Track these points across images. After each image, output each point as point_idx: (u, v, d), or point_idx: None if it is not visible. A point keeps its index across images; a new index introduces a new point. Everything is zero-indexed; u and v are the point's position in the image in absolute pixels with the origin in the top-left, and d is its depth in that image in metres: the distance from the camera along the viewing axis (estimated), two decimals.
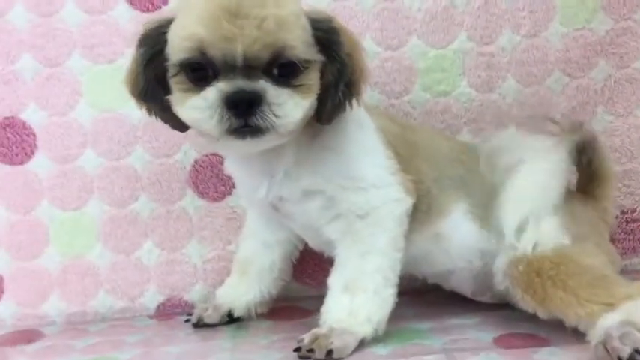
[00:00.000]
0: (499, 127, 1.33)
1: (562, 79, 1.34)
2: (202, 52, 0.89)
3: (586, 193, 1.17)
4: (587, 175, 1.17)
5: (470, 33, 1.32)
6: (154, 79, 0.96)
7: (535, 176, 1.07)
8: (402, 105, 1.34)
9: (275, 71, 0.91)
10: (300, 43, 0.91)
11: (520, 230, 1.03)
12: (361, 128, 1.06)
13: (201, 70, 0.91)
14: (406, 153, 1.09)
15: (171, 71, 0.94)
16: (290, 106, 0.91)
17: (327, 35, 0.95)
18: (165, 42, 0.94)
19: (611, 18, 1.32)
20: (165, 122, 1.02)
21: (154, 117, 1.02)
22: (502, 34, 1.32)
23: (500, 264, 1.05)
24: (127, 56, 1.25)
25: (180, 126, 1.00)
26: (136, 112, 1.28)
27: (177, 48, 0.91)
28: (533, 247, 1.02)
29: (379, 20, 1.32)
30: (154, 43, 0.95)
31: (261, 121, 0.89)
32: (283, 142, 0.96)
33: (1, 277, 1.33)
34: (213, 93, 0.89)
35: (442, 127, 1.34)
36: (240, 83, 0.89)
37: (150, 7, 1.30)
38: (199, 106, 0.90)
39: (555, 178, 1.07)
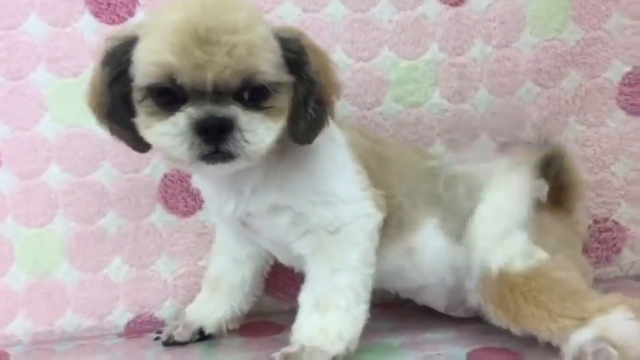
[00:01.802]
0: (471, 138, 1.34)
1: (533, 89, 1.34)
2: (171, 79, 0.87)
3: (557, 204, 1.16)
4: (556, 186, 1.16)
5: (441, 44, 1.32)
6: (118, 99, 0.93)
7: (500, 200, 1.06)
8: (373, 116, 1.33)
9: (245, 96, 0.89)
10: (270, 67, 0.89)
11: (489, 254, 1.02)
12: (331, 142, 1.05)
13: (169, 95, 0.89)
14: (377, 167, 1.08)
15: (137, 94, 0.91)
16: (261, 131, 0.90)
17: (295, 55, 0.93)
18: (129, 61, 0.91)
19: (581, 28, 1.32)
20: (127, 142, 0.99)
21: (116, 137, 0.99)
22: (473, 45, 1.32)
23: (472, 280, 1.04)
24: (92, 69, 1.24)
25: (143, 147, 0.98)
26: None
27: (145, 72, 0.88)
28: (504, 267, 1.00)
29: (350, 31, 1.31)
30: (118, 63, 0.92)
31: (232, 147, 0.88)
32: (253, 164, 0.94)
33: None
34: (183, 119, 0.87)
35: (414, 139, 1.33)
36: (211, 109, 0.87)
37: (115, 18, 1.27)
38: (169, 133, 0.88)
39: (521, 198, 1.06)
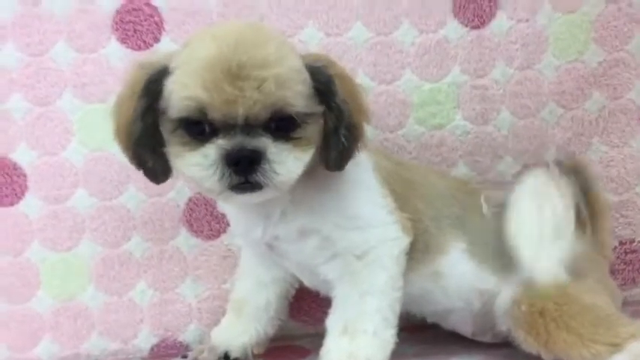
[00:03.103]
0: (495, 160, 1.34)
1: (556, 111, 1.33)
2: (203, 113, 0.88)
3: (582, 225, 1.15)
4: (589, 208, 1.15)
5: (463, 66, 1.32)
6: (149, 129, 0.94)
7: (528, 221, 1.06)
8: (396, 139, 1.33)
9: (273, 126, 0.90)
10: (299, 99, 0.90)
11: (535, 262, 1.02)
12: (357, 166, 1.05)
13: (200, 127, 0.90)
14: (402, 191, 1.08)
15: (168, 125, 0.92)
16: (290, 162, 0.91)
17: (324, 85, 0.94)
18: (161, 92, 0.92)
19: (603, 49, 1.32)
20: (147, 172, 0.99)
21: (136, 166, 0.99)
22: (495, 67, 1.32)
23: (501, 304, 1.04)
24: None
25: (162, 177, 0.99)
26: None
27: (177, 106, 0.89)
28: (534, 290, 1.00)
29: (372, 55, 1.31)
30: (153, 93, 0.93)
31: (261, 178, 0.89)
32: (281, 193, 0.95)
33: None
34: (214, 150, 0.88)
35: (438, 161, 1.33)
36: (241, 140, 0.88)
37: (142, 45, 1.29)
38: (200, 164, 0.89)
39: (548, 217, 1.05)
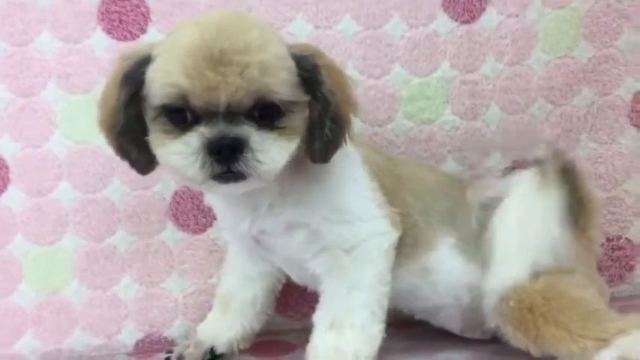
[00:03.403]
0: (483, 155, 1.34)
1: (545, 107, 1.33)
2: (185, 100, 0.86)
3: (575, 223, 1.15)
4: (578, 205, 1.14)
5: (453, 61, 1.32)
6: (132, 119, 0.93)
7: (516, 217, 1.06)
8: (385, 133, 1.32)
9: (257, 114, 0.88)
10: (284, 87, 0.88)
11: (507, 273, 1.02)
12: (346, 159, 1.04)
13: (182, 115, 0.88)
14: (392, 185, 1.07)
15: (150, 113, 0.91)
16: (274, 151, 0.89)
17: (310, 74, 0.92)
18: (143, 81, 0.91)
19: (592, 46, 1.32)
20: (132, 163, 0.98)
21: (122, 157, 0.97)
22: (485, 62, 1.32)
23: (490, 300, 1.03)
24: (103, 86, 1.23)
25: (148, 168, 0.98)
26: None
27: (159, 93, 0.88)
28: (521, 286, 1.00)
29: (362, 48, 1.30)
30: (134, 82, 0.91)
31: (244, 167, 0.87)
32: (266, 184, 0.93)
33: None
34: (195, 138, 0.87)
35: (426, 156, 1.33)
36: (223, 128, 0.86)
37: (128, 35, 1.27)
38: (181, 152, 0.87)
39: (539, 214, 1.05)
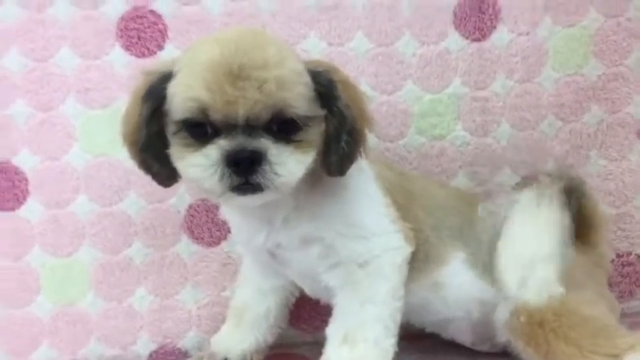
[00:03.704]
0: (494, 171, 1.35)
1: (555, 124, 1.35)
2: (205, 114, 0.89)
3: (581, 239, 1.16)
4: (579, 220, 1.16)
5: (464, 78, 1.34)
6: (154, 133, 0.95)
7: (525, 233, 1.07)
8: (397, 149, 1.34)
9: (274, 128, 0.91)
10: (300, 101, 0.91)
11: (522, 283, 1.02)
12: (360, 175, 1.06)
13: (202, 128, 0.91)
14: (404, 200, 1.09)
15: (171, 127, 0.93)
16: (291, 164, 0.91)
17: (326, 89, 0.95)
18: (165, 97, 0.93)
19: (602, 63, 1.34)
20: (155, 176, 1.00)
21: (144, 170, 1.00)
22: (496, 80, 1.34)
23: (500, 315, 1.04)
24: (121, 101, 1.26)
25: (170, 180, 1.00)
26: (129, 157, 1.28)
27: (180, 107, 0.90)
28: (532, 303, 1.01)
29: (374, 65, 1.32)
30: (156, 98, 0.94)
31: (262, 179, 0.89)
32: (282, 196, 0.95)
33: None
34: (215, 151, 0.89)
35: (438, 171, 1.34)
36: (242, 141, 0.89)
37: (145, 52, 1.30)
38: (201, 164, 0.90)
39: (547, 229, 1.06)
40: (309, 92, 0.93)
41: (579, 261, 1.11)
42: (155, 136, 0.95)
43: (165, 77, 0.94)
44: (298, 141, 0.92)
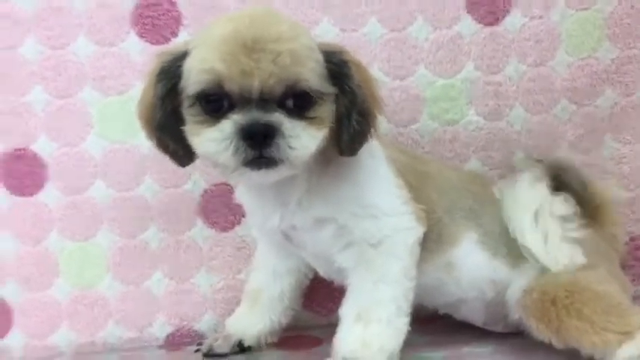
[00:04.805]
0: (507, 156, 1.35)
1: (569, 108, 1.35)
2: (220, 85, 0.90)
3: (591, 220, 1.16)
4: (586, 201, 1.16)
5: (477, 63, 1.34)
6: (169, 112, 0.97)
7: (524, 214, 1.10)
8: (410, 134, 1.35)
9: (289, 103, 0.92)
10: (313, 76, 0.92)
11: (544, 240, 1.05)
12: (373, 157, 1.07)
13: (216, 102, 0.92)
14: (416, 182, 1.10)
15: (186, 103, 0.95)
16: (305, 139, 0.92)
17: (338, 68, 0.96)
18: (180, 75, 0.95)
19: (616, 47, 1.34)
20: (172, 156, 1.02)
21: (161, 150, 1.02)
22: (509, 64, 1.34)
23: (513, 293, 1.05)
24: (137, 88, 1.27)
25: (187, 159, 1.01)
26: (145, 143, 1.28)
27: (195, 80, 0.92)
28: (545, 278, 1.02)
29: (386, 50, 1.33)
30: (171, 77, 0.96)
31: (276, 153, 0.90)
32: (296, 172, 0.97)
33: (11, 309, 1.33)
34: (229, 125, 0.90)
35: (451, 156, 1.35)
36: (256, 115, 0.90)
37: (160, 39, 1.31)
38: (215, 138, 0.91)
39: (543, 209, 1.09)
40: (321, 69, 0.95)
41: (592, 240, 1.11)
42: (171, 115, 0.97)
43: (180, 56, 0.96)
44: (311, 117, 0.94)
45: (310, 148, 0.93)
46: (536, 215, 1.08)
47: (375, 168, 1.06)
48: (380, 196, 1.04)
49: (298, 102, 0.93)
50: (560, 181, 1.16)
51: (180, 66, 0.95)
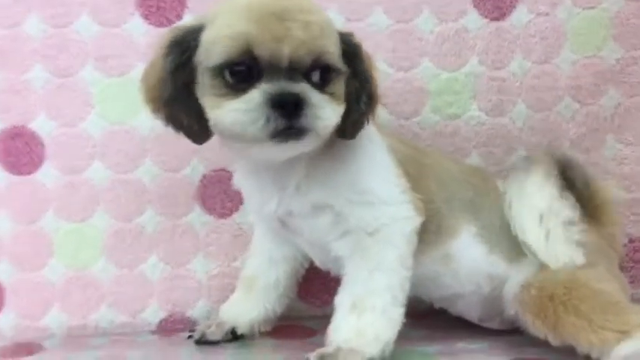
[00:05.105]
0: (508, 152, 1.35)
1: (572, 106, 1.34)
2: (249, 51, 0.89)
3: (591, 218, 1.15)
4: (587, 199, 1.15)
5: (481, 57, 1.33)
6: (180, 86, 0.94)
7: (529, 209, 1.09)
8: (411, 126, 1.34)
9: (315, 75, 0.92)
10: (336, 51, 0.94)
11: (546, 237, 1.05)
12: (372, 144, 1.07)
13: (242, 72, 0.90)
14: (416, 172, 1.09)
15: (205, 76, 0.93)
16: (329, 111, 0.92)
17: (352, 49, 0.98)
18: (194, 48, 0.93)
19: (621, 47, 1.33)
20: (188, 131, 0.98)
21: (170, 126, 0.98)
22: (513, 59, 1.33)
23: (510, 288, 1.05)
24: (139, 69, 1.26)
25: (202, 136, 0.98)
26: (145, 125, 1.29)
27: (220, 49, 0.90)
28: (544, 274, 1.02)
29: (391, 41, 1.33)
30: (184, 50, 0.94)
31: (305, 122, 0.89)
32: (313, 148, 0.96)
33: (3, 289, 1.31)
34: (258, 94, 0.88)
35: (451, 150, 1.34)
36: (285, 85, 0.89)
37: (164, 21, 1.30)
38: (243, 108, 0.89)
39: (550, 204, 1.08)
40: (338, 47, 0.96)
41: (591, 238, 1.10)
42: (182, 89, 0.95)
43: (194, 30, 0.94)
44: (330, 93, 0.94)
45: (334, 121, 0.93)
46: (542, 216, 1.06)
47: (375, 155, 1.06)
48: (378, 183, 1.04)
49: (322, 75, 0.93)
50: (564, 177, 1.15)
51: (194, 39, 0.94)
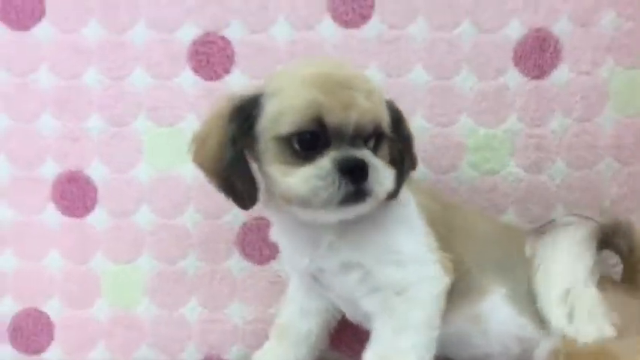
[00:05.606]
0: (546, 209, 1.34)
1: (613, 165, 1.33)
2: (319, 119, 0.93)
3: (633, 284, 1.14)
4: (631, 264, 1.13)
5: (520, 114, 1.34)
6: (240, 154, 0.99)
7: (559, 270, 1.07)
8: (448, 181, 1.35)
9: (371, 142, 0.98)
10: (387, 118, 1.00)
11: (570, 315, 1.03)
12: (402, 204, 1.08)
13: (310, 141, 0.95)
14: (446, 232, 1.10)
15: (268, 145, 0.97)
16: (388, 174, 0.97)
17: (395, 115, 1.03)
18: (255, 117, 0.98)
19: None
20: (237, 197, 1.01)
21: (222, 191, 1.01)
22: (553, 117, 1.33)
23: (540, 353, 1.03)
24: (187, 120, 1.33)
25: (251, 200, 1.01)
26: (191, 174, 1.35)
27: (290, 119, 0.94)
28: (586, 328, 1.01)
29: (430, 97, 1.35)
30: (245, 118, 0.98)
31: (369, 186, 0.94)
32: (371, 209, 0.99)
33: (53, 324, 1.39)
34: (328, 161, 0.93)
35: (487, 206, 1.34)
36: (351, 152, 0.94)
37: (213, 75, 1.36)
38: (315, 175, 0.93)
39: (580, 256, 1.07)
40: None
41: (626, 305, 1.08)
42: (240, 157, 0.99)
43: (256, 99, 0.99)
44: (380, 157, 0.99)
45: (390, 185, 0.97)
46: (568, 291, 1.05)
47: (404, 214, 1.08)
48: (407, 243, 1.05)
49: (376, 142, 0.99)
50: (607, 241, 1.14)
51: (256, 108, 0.98)
